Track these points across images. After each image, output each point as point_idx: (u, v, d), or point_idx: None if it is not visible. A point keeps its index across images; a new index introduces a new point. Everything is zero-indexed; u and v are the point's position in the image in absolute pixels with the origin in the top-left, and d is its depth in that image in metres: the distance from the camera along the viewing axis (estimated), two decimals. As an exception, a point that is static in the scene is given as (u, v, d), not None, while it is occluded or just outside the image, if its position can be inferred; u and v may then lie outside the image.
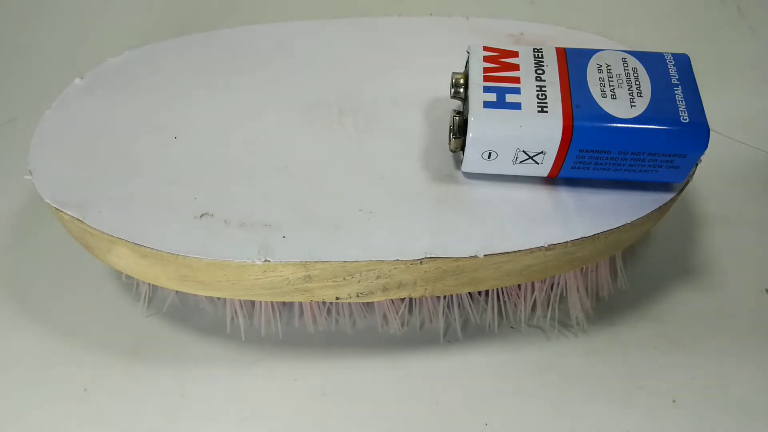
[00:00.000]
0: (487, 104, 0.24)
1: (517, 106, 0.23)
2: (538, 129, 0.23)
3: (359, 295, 0.25)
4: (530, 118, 0.23)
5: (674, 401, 0.26)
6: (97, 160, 0.26)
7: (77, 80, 0.28)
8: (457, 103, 0.27)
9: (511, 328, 0.29)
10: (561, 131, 0.23)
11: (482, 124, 0.23)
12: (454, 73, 0.25)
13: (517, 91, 0.24)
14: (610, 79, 0.24)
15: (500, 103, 0.24)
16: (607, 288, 0.30)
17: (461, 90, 0.25)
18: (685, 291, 0.31)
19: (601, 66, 0.24)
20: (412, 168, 0.26)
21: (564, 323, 0.29)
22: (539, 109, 0.23)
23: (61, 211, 0.24)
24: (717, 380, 0.27)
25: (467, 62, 0.26)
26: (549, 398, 0.27)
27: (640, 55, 0.25)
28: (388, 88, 0.29)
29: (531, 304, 0.29)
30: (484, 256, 0.23)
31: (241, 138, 0.27)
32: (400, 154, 0.26)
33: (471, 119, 0.23)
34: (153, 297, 0.30)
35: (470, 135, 0.24)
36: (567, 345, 0.29)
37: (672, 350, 0.28)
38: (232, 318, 0.29)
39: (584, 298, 0.29)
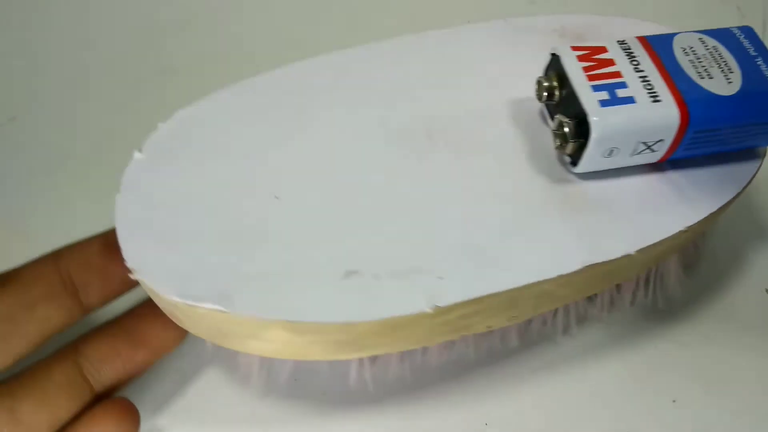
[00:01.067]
0: (603, 103, 0.24)
1: (630, 100, 0.24)
2: (656, 119, 0.24)
3: (511, 318, 0.24)
4: (647, 110, 0.24)
5: (674, 401, 0.27)
6: (204, 239, 0.23)
7: (136, 154, 0.25)
8: (538, 106, 0.27)
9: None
10: (679, 118, 0.24)
11: (605, 123, 0.23)
12: (542, 78, 0.25)
13: (623, 85, 0.24)
14: (699, 61, 0.25)
15: (614, 100, 0.24)
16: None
17: (555, 93, 0.25)
18: (685, 291, 0.31)
19: (685, 49, 0.25)
20: (524, 179, 0.25)
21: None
22: (652, 99, 0.24)
23: (195, 306, 0.21)
24: (717, 380, 0.27)
25: (550, 64, 0.26)
26: (548, 398, 0.27)
27: (712, 33, 0.26)
28: (464, 102, 0.28)
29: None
30: (636, 252, 0.23)
31: (344, 182, 0.25)
32: (507, 167, 0.26)
33: (594, 119, 0.23)
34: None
35: (594, 136, 0.24)
36: (567, 345, 0.29)
37: (672, 350, 0.29)
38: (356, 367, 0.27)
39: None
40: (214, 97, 0.27)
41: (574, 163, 0.25)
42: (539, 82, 0.26)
